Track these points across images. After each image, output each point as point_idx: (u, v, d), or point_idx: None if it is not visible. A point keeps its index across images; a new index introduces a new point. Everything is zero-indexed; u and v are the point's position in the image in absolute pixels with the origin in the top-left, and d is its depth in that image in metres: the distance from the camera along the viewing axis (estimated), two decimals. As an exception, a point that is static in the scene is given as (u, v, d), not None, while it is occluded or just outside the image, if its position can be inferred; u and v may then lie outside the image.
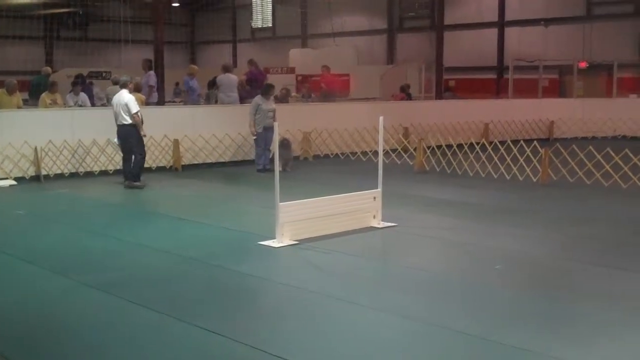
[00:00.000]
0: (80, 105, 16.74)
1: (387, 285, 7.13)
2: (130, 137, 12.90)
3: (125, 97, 12.81)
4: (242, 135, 16.08)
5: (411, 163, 15.68)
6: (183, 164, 15.56)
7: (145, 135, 13.13)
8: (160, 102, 18.10)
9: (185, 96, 18.53)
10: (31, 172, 13.86)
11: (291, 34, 39.06)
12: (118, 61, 37.25)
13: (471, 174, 14.35)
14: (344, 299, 6.54)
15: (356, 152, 17.28)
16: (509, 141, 15.52)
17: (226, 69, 18.32)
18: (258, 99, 14.99)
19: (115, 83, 17.16)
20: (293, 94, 24.00)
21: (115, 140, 13.31)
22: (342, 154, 17.63)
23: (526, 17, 30.77)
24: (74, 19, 38.57)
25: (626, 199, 11.90)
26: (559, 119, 22.52)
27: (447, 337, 5.65)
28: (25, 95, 17.95)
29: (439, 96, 23.53)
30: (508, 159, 14.34)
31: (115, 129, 13.03)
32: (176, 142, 15.44)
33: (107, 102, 17.16)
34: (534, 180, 13.45)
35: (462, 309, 6.32)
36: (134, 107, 12.76)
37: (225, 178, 14.60)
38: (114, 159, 14.49)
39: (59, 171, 14.11)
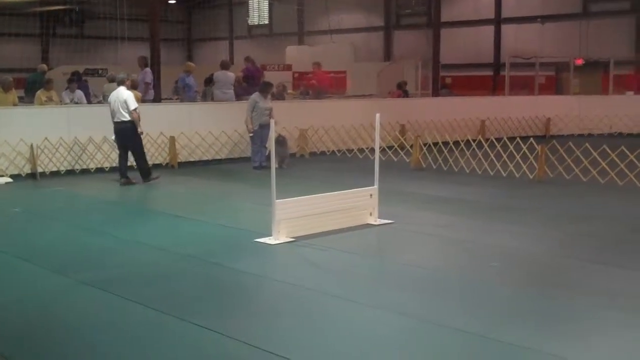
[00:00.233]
0: (76, 103, 16.71)
1: (384, 283, 7.12)
2: (128, 133, 12.91)
3: (124, 94, 12.82)
4: (238, 133, 16.05)
5: (408, 160, 15.67)
6: (179, 161, 15.54)
7: (142, 133, 13.12)
8: (157, 99, 18.07)
9: (182, 93, 18.49)
10: (27, 169, 13.83)
11: (288, 31, 38.98)
12: (114, 58, 37.09)
13: (468, 171, 14.34)
14: (341, 297, 6.53)
15: (353, 149, 17.27)
16: (505, 138, 15.50)
17: (224, 66, 18.31)
18: (256, 96, 14.97)
19: (112, 80, 17.10)
20: (290, 91, 23.95)
21: (112, 137, 13.32)
22: (339, 151, 17.62)
23: (523, 14, 30.76)
24: (70, 16, 38.47)
25: (623, 196, 11.91)
26: (556, 116, 22.52)
27: (444, 335, 5.64)
28: (21, 93, 17.88)
29: (435, 93, 23.51)
30: (504, 156, 14.35)
31: (111, 126, 13.03)
32: (172, 140, 15.42)
33: (104, 99, 17.12)
34: (531, 177, 13.45)
35: (460, 307, 6.31)
36: (133, 104, 12.78)
37: (222, 175, 14.58)
38: (110, 157, 14.46)
39: (55, 169, 14.09)
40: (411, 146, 15.93)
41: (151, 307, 6.23)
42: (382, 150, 13.60)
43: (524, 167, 13.70)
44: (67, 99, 16.82)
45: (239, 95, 17.72)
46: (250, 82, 18.37)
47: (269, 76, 20.48)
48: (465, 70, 32.01)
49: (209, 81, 19.00)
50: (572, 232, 9.29)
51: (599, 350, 5.36)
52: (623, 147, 13.45)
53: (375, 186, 9.58)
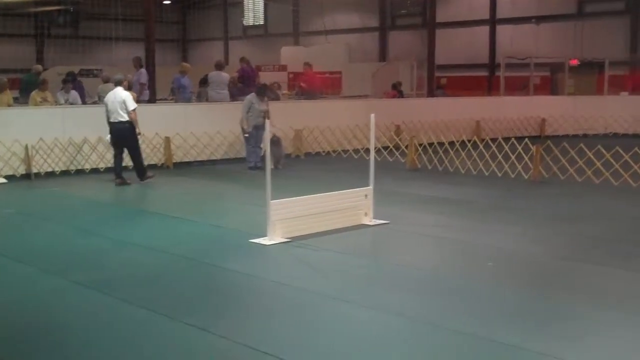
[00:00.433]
0: (71, 103, 16.67)
1: (379, 283, 7.11)
2: (126, 134, 12.93)
3: (122, 94, 12.84)
4: (233, 133, 16.04)
5: (403, 161, 15.68)
6: (174, 161, 15.53)
7: (140, 133, 13.13)
8: (152, 100, 18.05)
9: (177, 94, 18.47)
10: (22, 170, 13.80)
11: (283, 31, 39.02)
12: (109, 59, 37.06)
13: (463, 172, 14.36)
14: (336, 297, 6.53)
15: (348, 150, 17.27)
16: (500, 139, 15.54)
17: (219, 66, 18.30)
18: (251, 97, 14.95)
19: (107, 81, 17.11)
20: (285, 91, 23.94)
21: (107, 137, 13.32)
22: (334, 151, 17.62)
23: (518, 14, 30.83)
24: (65, 17, 38.37)
25: (618, 196, 11.93)
26: (551, 116, 22.56)
27: (440, 335, 5.64)
28: (16, 93, 17.85)
29: (430, 94, 23.53)
30: (499, 157, 14.36)
31: (107, 127, 13.02)
32: (167, 140, 15.40)
33: (99, 100, 17.09)
34: (526, 177, 13.47)
35: (455, 307, 6.31)
36: (132, 104, 12.82)
37: (217, 176, 14.57)
38: (105, 157, 14.44)
39: (50, 169, 14.06)
40: (406, 147, 15.93)
41: (146, 307, 6.22)
42: (378, 151, 13.61)
43: (519, 167, 13.72)
44: (62, 99, 16.77)
45: (234, 96, 17.70)
46: (246, 83, 18.36)
47: (264, 77, 20.46)
48: (461, 70, 32.07)
49: (204, 82, 18.98)
50: (567, 233, 9.30)
51: (597, 351, 5.35)
52: (618, 148, 13.48)
53: (371, 187, 9.58)
